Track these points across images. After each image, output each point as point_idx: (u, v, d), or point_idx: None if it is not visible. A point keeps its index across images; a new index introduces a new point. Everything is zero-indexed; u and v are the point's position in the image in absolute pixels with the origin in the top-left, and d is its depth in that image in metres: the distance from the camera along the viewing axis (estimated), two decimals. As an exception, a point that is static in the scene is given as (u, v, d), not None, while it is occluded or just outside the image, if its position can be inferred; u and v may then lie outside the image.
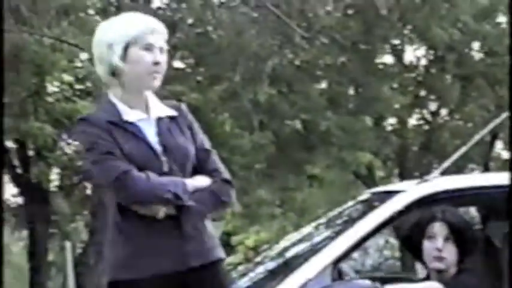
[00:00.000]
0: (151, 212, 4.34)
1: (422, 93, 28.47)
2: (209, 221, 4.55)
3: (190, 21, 22.06)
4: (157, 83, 4.54)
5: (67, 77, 23.74)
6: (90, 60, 22.83)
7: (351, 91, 26.48)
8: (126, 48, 4.49)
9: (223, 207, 4.59)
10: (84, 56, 22.93)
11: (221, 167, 4.61)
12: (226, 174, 4.61)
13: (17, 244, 41.95)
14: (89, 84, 23.59)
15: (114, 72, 4.55)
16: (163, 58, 4.55)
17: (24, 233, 32.27)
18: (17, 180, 27.46)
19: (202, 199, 4.44)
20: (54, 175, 26.71)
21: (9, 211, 30.03)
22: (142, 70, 4.50)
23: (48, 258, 30.88)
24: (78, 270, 30.48)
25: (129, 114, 4.49)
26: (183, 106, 4.66)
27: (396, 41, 26.91)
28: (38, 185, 26.66)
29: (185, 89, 21.10)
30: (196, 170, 4.54)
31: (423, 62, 28.02)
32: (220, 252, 4.59)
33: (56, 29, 19.88)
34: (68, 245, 34.31)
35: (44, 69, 21.53)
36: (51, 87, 23.64)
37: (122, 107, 4.51)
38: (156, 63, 4.50)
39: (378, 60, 26.66)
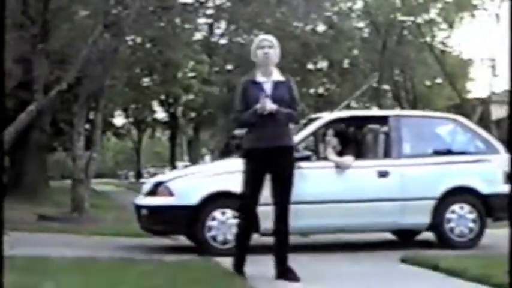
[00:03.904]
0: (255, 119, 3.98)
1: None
2: (290, 126, 4.12)
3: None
4: (268, 61, 4.05)
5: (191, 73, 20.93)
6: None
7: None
8: (256, 49, 4.10)
9: (294, 121, 4.09)
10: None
11: (297, 108, 4.11)
12: (300, 109, 4.14)
13: (163, 136, 41.23)
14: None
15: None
16: (270, 50, 4.05)
17: (167, 132, 32.04)
18: (166, 111, 27.46)
19: (287, 116, 4.01)
20: (180, 109, 26.40)
21: (162, 123, 29.54)
22: (258, 59, 4.07)
23: (177, 141, 30.69)
24: (189, 146, 30.31)
25: (259, 78, 4.07)
26: (289, 77, 4.19)
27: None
28: (174, 113, 26.58)
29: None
30: (289, 107, 4.06)
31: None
32: (290, 141, 4.08)
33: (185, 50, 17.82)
34: (183, 137, 34.07)
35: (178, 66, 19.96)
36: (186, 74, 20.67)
37: (257, 74, 4.09)
38: (265, 54, 4.04)
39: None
